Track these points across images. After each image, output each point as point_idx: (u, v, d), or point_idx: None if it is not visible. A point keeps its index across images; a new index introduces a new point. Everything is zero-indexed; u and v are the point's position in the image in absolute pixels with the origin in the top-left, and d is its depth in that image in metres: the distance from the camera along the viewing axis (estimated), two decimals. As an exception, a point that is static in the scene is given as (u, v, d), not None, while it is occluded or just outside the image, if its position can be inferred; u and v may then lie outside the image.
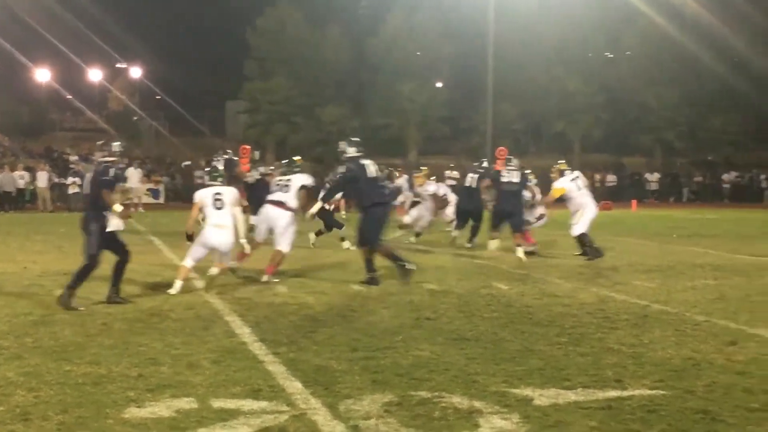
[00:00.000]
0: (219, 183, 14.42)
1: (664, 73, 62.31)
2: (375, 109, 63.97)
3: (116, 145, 12.67)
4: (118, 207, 12.29)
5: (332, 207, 20.71)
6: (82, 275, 12.11)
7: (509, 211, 19.07)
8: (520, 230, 19.06)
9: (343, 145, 15.51)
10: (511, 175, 19.11)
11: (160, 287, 13.91)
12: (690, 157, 64.80)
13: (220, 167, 25.21)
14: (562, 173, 19.46)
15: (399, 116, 62.85)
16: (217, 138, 65.30)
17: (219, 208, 14.04)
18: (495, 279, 15.31)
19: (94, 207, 12.17)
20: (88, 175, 12.44)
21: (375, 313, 11.77)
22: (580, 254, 19.12)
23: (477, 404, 7.23)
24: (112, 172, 12.24)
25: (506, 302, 12.76)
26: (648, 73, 62.52)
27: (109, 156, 12.50)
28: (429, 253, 20.13)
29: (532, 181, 20.96)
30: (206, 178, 15.33)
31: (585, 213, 19.12)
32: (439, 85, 65.03)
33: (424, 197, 22.64)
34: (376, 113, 63.81)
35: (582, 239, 18.97)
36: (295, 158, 16.69)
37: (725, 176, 58.28)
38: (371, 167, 15.03)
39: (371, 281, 14.59)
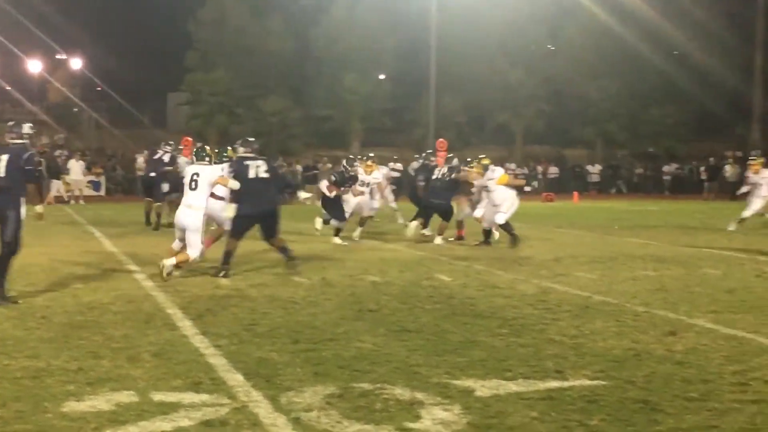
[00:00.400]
0: (205, 163, 14.41)
1: (605, 65, 62.69)
2: (317, 100, 63.83)
3: (26, 127, 12.12)
4: (40, 208, 12.13)
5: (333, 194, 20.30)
6: (4, 265, 11.73)
7: (439, 204, 20.39)
8: (448, 220, 20.47)
9: (237, 143, 15.49)
10: (443, 169, 20.02)
11: (101, 280, 13.79)
12: (631, 149, 65.29)
13: (166, 159, 25.21)
14: (485, 168, 19.70)
15: (341, 108, 62.76)
16: (159, 130, 64.83)
17: (193, 189, 14.08)
18: (437, 271, 15.33)
19: (10, 192, 11.55)
20: (4, 157, 11.77)
21: (317, 305, 11.75)
22: (481, 243, 19.94)
23: (419, 395, 7.24)
24: (34, 160, 11.80)
25: (448, 294, 12.79)
26: (589, 65, 62.88)
27: (17, 138, 11.97)
28: (374, 244, 20.13)
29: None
30: (193, 157, 15.10)
31: (514, 203, 19.64)
32: (382, 77, 65.00)
33: (372, 185, 22.60)
34: (318, 105, 63.68)
35: (506, 227, 19.60)
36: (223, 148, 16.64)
37: (666, 168, 58.79)
38: (255, 169, 14.84)
39: (224, 272, 14.45)
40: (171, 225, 23.11)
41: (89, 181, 46.51)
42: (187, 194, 14.14)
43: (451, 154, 22.34)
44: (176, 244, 14.40)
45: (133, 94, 69.02)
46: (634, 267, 16.22)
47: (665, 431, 6.46)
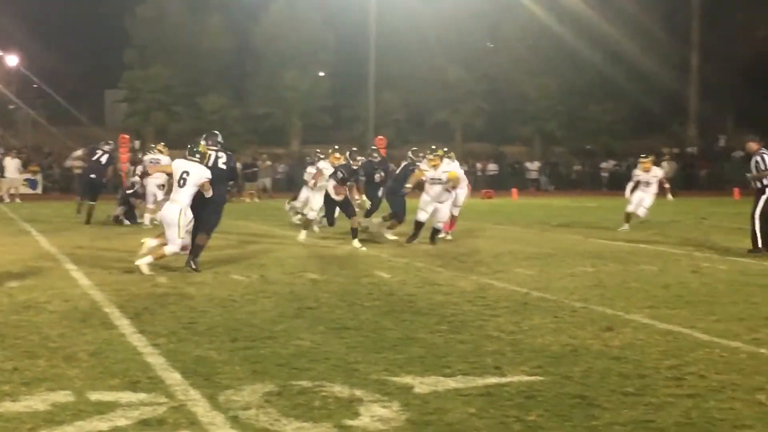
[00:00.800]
0: (195, 160, 14.52)
1: (544, 63, 63.12)
2: (257, 98, 63.64)
3: None
4: None
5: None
6: None
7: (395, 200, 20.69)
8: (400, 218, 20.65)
9: (202, 138, 15.63)
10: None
11: (37, 278, 13.66)
12: (569, 146, 65.75)
13: (103, 160, 25.09)
14: (441, 159, 19.74)
15: (281, 105, 62.62)
16: (97, 127, 64.26)
17: (180, 186, 14.30)
18: (377, 268, 15.34)
19: None
20: None
21: (256, 303, 11.71)
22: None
23: (357, 393, 7.24)
24: None
25: (388, 291, 12.81)
26: (528, 63, 63.28)
27: None
28: (314, 242, 20.08)
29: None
30: (186, 152, 14.98)
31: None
32: (321, 74, 64.92)
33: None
34: (258, 102, 63.49)
35: (419, 226, 19.79)
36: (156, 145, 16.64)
37: (603, 164, 59.28)
38: (217, 160, 15.18)
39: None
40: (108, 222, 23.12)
41: (26, 179, 46.06)
42: (175, 190, 14.40)
43: (415, 148, 22.19)
44: (151, 241, 14.58)
45: (70, 92, 68.41)
46: (572, 263, 16.33)
47: (602, 426, 6.50)
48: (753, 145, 18.99)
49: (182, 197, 14.30)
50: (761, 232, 18.14)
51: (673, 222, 26.85)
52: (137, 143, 39.10)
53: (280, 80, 61.58)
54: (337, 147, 21.49)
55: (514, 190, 49.13)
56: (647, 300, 12.11)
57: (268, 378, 7.70)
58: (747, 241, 18.78)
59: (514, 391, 7.32)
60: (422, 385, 7.49)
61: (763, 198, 18.21)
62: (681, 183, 50.66)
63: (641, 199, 24.08)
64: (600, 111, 63.84)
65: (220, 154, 15.23)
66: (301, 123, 64.43)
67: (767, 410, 6.93)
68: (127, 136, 28.22)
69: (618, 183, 55.61)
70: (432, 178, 19.41)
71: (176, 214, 14.24)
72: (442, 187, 19.37)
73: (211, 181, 14.50)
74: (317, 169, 21.18)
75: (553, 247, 19.17)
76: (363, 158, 21.14)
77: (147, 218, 23.76)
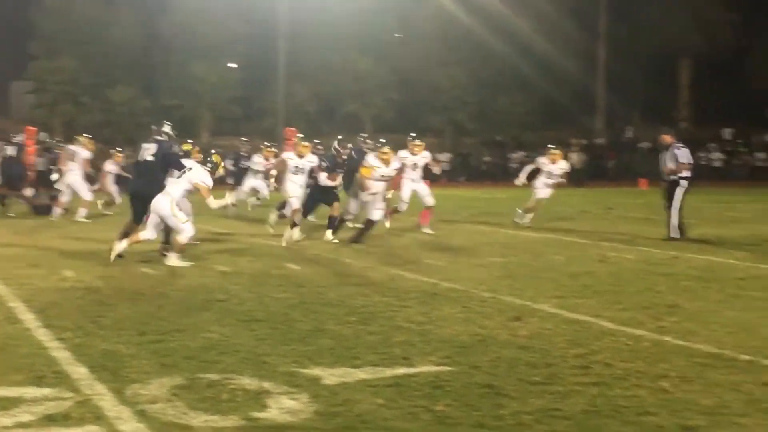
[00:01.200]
0: (207, 169, 14.94)
1: (453, 54, 63.33)
2: (166, 89, 62.99)
3: None
4: None
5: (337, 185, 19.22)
6: None
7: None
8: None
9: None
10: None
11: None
12: (479, 137, 66.08)
13: (10, 152, 24.83)
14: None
15: (190, 97, 62.07)
16: (2, 119, 63.18)
17: (177, 177, 14.82)
18: (287, 260, 15.30)
19: None
20: None
21: (165, 296, 11.62)
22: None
23: (266, 385, 7.22)
24: None
25: (298, 282, 12.78)
26: (438, 54, 63.44)
27: None
28: (226, 236, 19.96)
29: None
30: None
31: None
32: (232, 65, 64.46)
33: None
34: (167, 94, 62.84)
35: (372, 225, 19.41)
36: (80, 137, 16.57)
37: (513, 156, 59.70)
38: (144, 151, 15.60)
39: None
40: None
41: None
42: (170, 182, 14.86)
43: (364, 135, 21.64)
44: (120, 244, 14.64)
45: (-26, 83, 67.18)
46: (481, 254, 16.44)
47: (509, 415, 6.56)
48: (667, 138, 19.42)
49: (175, 190, 14.61)
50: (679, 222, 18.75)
51: (581, 212, 27.17)
52: (43, 135, 38.51)
53: (189, 72, 61.04)
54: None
55: (426, 181, 49.05)
56: (555, 290, 12.24)
57: (177, 371, 7.65)
58: (653, 230, 19.19)
59: (422, 382, 7.36)
60: (331, 376, 7.50)
61: (680, 190, 18.68)
62: (589, 174, 51.31)
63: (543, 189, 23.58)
64: (510, 102, 64.21)
65: (150, 146, 15.52)
66: (211, 115, 63.93)
67: (671, 397, 7.06)
68: (33, 129, 27.76)
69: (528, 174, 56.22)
70: (383, 175, 18.73)
71: (168, 205, 14.45)
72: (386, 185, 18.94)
73: (138, 173, 14.82)
74: (280, 158, 20.32)
75: (463, 238, 19.29)
76: (351, 146, 20.71)
77: (82, 212, 23.53)
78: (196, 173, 14.68)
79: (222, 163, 15.62)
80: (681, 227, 18.92)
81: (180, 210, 14.64)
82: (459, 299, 11.40)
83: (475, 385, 7.29)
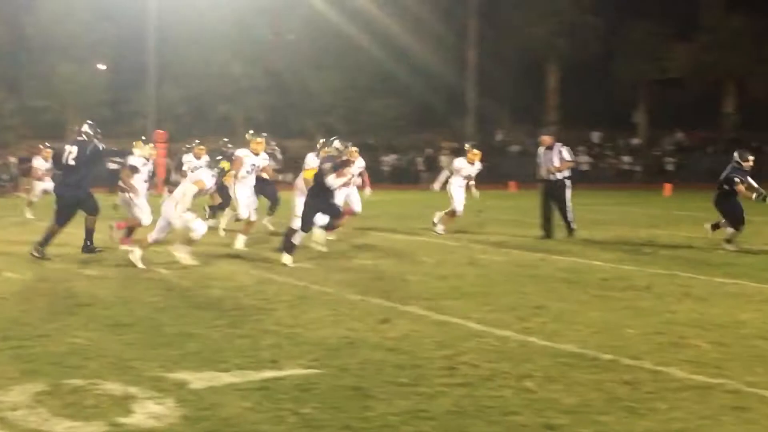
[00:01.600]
0: (214, 174, 14.95)
1: (326, 58, 63.39)
2: (32, 91, 61.81)
3: None
4: None
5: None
6: None
7: None
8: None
9: None
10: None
11: None
12: (352, 140, 66.21)
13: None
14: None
15: (58, 99, 61.00)
16: None
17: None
18: (155, 263, 15.09)
19: None
20: None
21: (29, 301, 11.41)
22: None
23: (132, 390, 7.14)
24: None
25: (166, 286, 12.67)
26: (311, 57, 63.45)
27: None
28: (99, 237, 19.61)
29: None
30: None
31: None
32: (101, 66, 63.53)
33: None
34: (33, 95, 61.67)
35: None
36: None
37: (385, 159, 60.01)
38: (67, 155, 15.62)
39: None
40: None
41: None
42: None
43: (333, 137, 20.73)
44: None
45: None
46: (351, 256, 16.50)
47: (376, 416, 6.60)
48: (547, 139, 19.95)
49: (177, 191, 14.74)
50: (546, 218, 19.29)
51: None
52: None
53: (55, 73, 59.97)
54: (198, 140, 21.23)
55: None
56: (424, 292, 12.34)
57: (40, 377, 7.52)
58: (522, 231, 19.67)
59: (290, 385, 7.36)
60: (198, 380, 7.45)
61: (569, 190, 19.33)
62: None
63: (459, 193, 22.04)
64: (382, 106, 64.53)
65: (72, 148, 15.56)
66: (79, 117, 62.87)
67: (535, 397, 7.18)
68: None
69: (399, 177, 56.61)
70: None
71: (172, 209, 14.46)
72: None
73: (62, 176, 14.86)
74: (235, 157, 19.31)
75: (333, 240, 19.29)
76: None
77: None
78: (194, 174, 14.88)
79: (229, 170, 15.43)
80: (548, 228, 19.42)
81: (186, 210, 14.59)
82: (328, 302, 11.42)
83: (342, 388, 7.32)
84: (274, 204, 21.07)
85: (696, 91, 61.68)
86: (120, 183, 17.17)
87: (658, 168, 57.21)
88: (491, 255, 16.88)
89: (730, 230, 17.91)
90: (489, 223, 24.22)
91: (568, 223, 19.81)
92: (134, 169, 16.94)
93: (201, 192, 14.72)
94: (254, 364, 8.07)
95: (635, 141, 62.40)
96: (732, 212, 17.77)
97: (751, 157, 17.84)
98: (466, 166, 21.71)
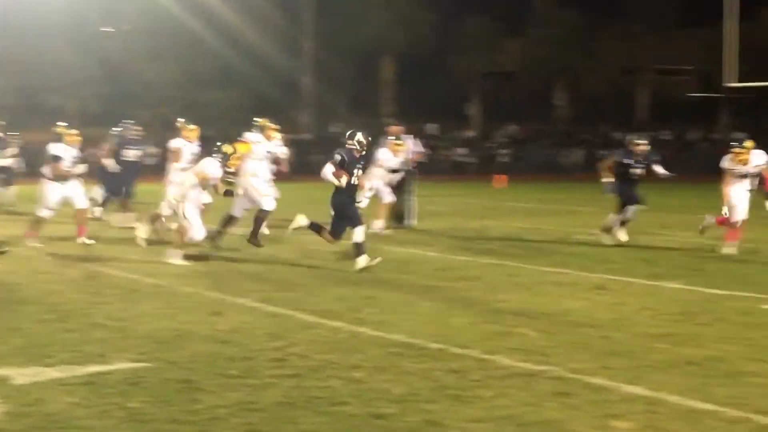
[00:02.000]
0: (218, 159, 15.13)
1: (163, 48, 62.64)
2: None
3: None
4: None
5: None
6: None
7: None
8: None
9: None
10: None
11: None
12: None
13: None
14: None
15: None
16: None
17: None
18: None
19: None
20: None
21: None
22: None
23: (-47, 388, 7.00)
24: None
25: (-7, 281, 12.40)
26: (147, 48, 62.61)
27: None
28: None
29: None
30: None
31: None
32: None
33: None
34: None
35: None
36: None
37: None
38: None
39: None
40: None
41: None
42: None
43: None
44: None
45: None
46: (186, 249, 16.28)
47: (205, 409, 6.60)
48: (395, 129, 20.16)
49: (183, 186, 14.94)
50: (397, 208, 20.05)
51: (286, 206, 27.33)
52: None
53: None
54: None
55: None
56: (257, 284, 12.36)
57: None
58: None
59: (117, 379, 7.30)
60: (22, 376, 7.34)
61: (414, 180, 19.94)
62: (297, 168, 51.79)
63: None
64: (220, 97, 64.09)
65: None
66: None
67: (364, 387, 7.27)
68: None
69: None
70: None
71: (181, 207, 14.50)
72: None
73: None
74: (173, 147, 18.72)
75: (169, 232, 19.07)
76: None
77: None
78: (202, 164, 14.93)
79: (234, 153, 15.36)
80: (400, 215, 19.99)
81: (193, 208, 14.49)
82: (160, 295, 11.35)
83: (171, 381, 7.29)
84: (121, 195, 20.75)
85: (529, 85, 62.95)
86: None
87: (492, 160, 58.11)
88: (323, 246, 16.78)
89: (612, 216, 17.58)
90: (322, 215, 24.10)
91: (411, 215, 20.25)
92: (56, 158, 16.46)
93: (206, 182, 14.65)
94: (81, 358, 7.97)
95: (469, 133, 63.26)
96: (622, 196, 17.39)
97: (641, 142, 17.60)
98: (391, 157, 20.19)
